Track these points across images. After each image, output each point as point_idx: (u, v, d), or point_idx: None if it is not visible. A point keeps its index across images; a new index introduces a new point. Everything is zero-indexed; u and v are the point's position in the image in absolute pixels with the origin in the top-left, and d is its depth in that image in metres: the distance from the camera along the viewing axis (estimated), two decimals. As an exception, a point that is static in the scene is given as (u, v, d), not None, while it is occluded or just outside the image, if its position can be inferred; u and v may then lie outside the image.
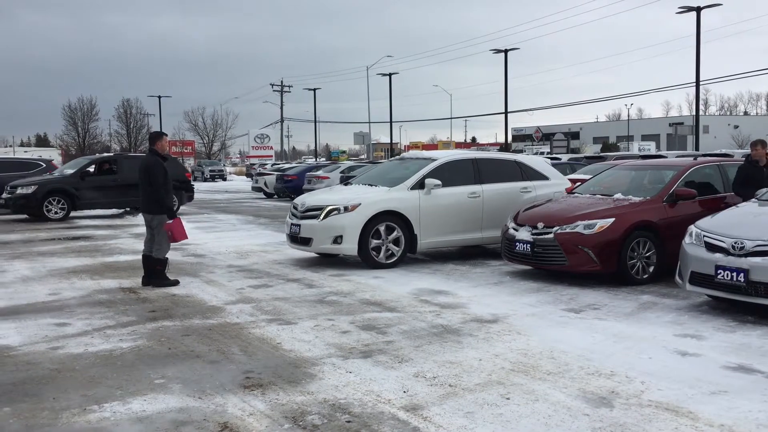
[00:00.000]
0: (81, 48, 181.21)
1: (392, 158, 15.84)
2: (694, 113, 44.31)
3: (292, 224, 10.69)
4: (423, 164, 10.99)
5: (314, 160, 64.00)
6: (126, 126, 73.90)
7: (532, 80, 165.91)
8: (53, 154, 57.76)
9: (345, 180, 25.12)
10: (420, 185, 10.53)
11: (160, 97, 68.55)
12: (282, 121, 72.78)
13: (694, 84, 35.18)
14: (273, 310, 7.45)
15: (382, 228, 10.14)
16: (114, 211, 21.20)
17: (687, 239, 7.40)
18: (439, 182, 10.50)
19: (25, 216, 19.75)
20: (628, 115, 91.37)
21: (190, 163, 61.59)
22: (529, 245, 8.91)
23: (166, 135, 9.46)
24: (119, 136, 76.52)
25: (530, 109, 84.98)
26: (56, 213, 19.45)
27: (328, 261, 10.96)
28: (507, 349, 5.84)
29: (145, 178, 8.95)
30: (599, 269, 8.53)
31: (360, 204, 10.14)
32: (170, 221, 8.87)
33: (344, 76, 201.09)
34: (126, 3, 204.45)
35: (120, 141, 77.48)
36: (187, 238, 9.37)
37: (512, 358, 5.58)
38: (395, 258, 10.27)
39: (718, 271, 6.78)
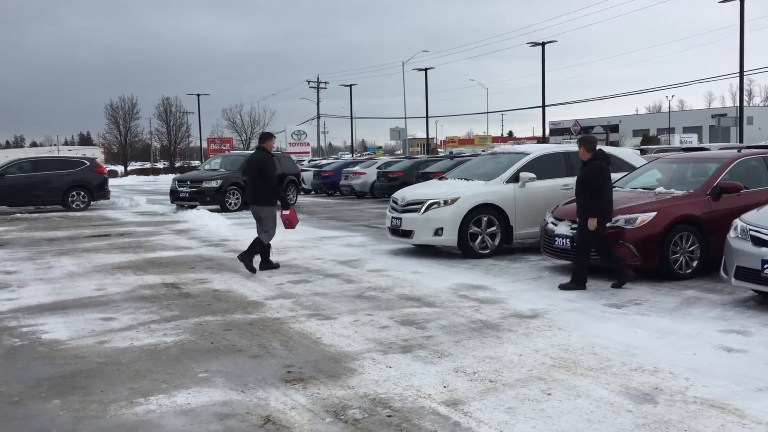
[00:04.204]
0: (122, 49, 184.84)
1: (484, 153, 16.31)
2: (737, 104, 43.29)
3: (393, 217, 11.25)
4: (516, 158, 11.34)
5: (351, 155, 64.17)
6: (166, 124, 74.91)
7: (568, 73, 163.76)
8: (96, 153, 59.01)
9: (381, 175, 25.28)
10: (515, 178, 10.90)
11: (199, 95, 69.36)
12: (318, 117, 73.11)
13: (738, 74, 34.34)
14: (312, 305, 7.51)
15: (482, 219, 10.56)
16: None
17: (732, 233, 7.25)
18: (533, 175, 10.79)
19: (53, 212, 20.18)
20: (669, 107, 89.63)
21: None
22: (568, 240, 8.82)
23: (275, 137, 10.45)
24: (160, 134, 77.73)
25: (568, 102, 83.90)
26: (233, 204, 20.72)
27: (367, 256, 11.01)
28: (547, 345, 5.80)
29: (257, 173, 9.69)
30: (641, 264, 8.41)
31: (459, 198, 10.59)
32: (287, 211, 9.83)
33: (380, 71, 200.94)
34: (163, 5, 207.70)
35: (161, 139, 78.70)
36: (299, 222, 10.28)
37: (553, 354, 5.54)
38: (492, 248, 10.63)
39: (765, 266, 6.63)
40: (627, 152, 12.60)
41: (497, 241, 10.69)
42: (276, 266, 9.89)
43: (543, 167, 11.12)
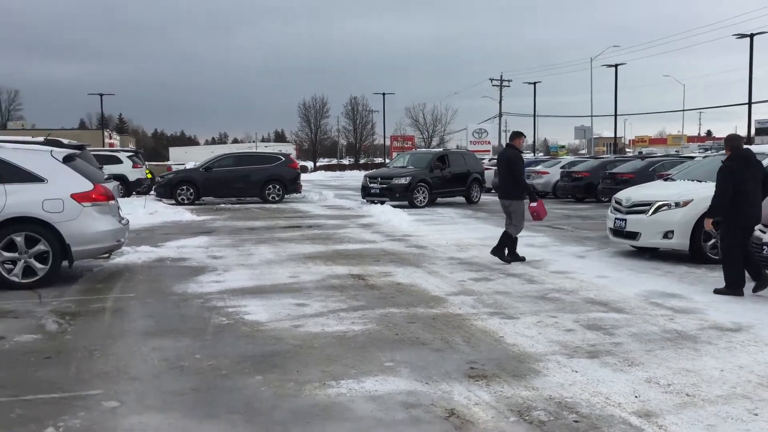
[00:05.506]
0: (316, 52, 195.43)
1: (715, 154, 15.73)
2: None
3: (616, 219, 11.02)
4: None
5: (532, 155, 62.92)
6: (353, 122, 78.34)
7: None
8: (289, 149, 62.97)
9: (565, 175, 24.56)
10: None
11: (384, 94, 71.59)
12: (500, 115, 72.52)
13: None
14: (494, 304, 7.49)
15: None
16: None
17: None
18: None
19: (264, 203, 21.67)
20: None
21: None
22: (779, 249, 8.02)
23: (525, 136, 11.03)
24: (346, 131, 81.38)
25: (778, 99, 76.15)
26: (420, 201, 21.80)
27: (549, 257, 10.76)
28: (753, 362, 5.33)
29: (507, 169, 10.29)
30: None
31: (692, 200, 10.11)
32: (534, 203, 10.46)
33: (565, 69, 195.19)
34: (355, 8, 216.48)
35: (347, 136, 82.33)
36: (547, 214, 10.84)
37: (760, 372, 5.08)
38: None
39: None
40: None
41: None
42: (522, 259, 10.26)
43: None
